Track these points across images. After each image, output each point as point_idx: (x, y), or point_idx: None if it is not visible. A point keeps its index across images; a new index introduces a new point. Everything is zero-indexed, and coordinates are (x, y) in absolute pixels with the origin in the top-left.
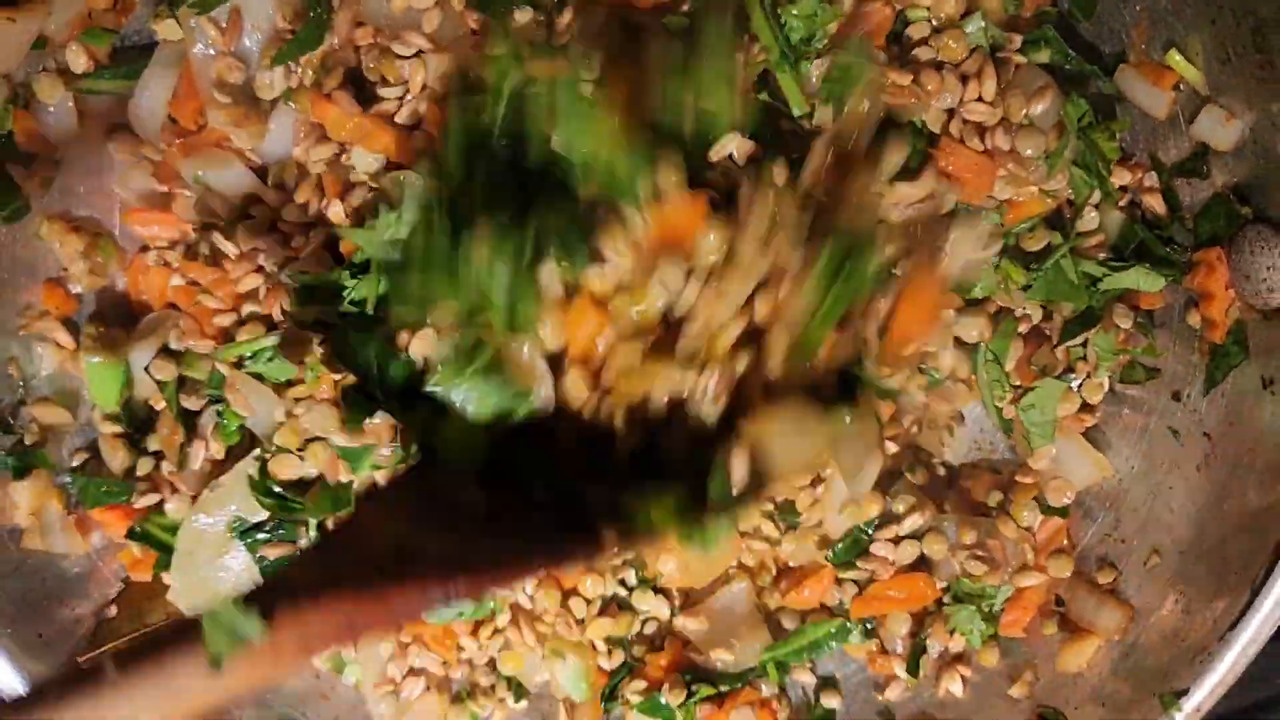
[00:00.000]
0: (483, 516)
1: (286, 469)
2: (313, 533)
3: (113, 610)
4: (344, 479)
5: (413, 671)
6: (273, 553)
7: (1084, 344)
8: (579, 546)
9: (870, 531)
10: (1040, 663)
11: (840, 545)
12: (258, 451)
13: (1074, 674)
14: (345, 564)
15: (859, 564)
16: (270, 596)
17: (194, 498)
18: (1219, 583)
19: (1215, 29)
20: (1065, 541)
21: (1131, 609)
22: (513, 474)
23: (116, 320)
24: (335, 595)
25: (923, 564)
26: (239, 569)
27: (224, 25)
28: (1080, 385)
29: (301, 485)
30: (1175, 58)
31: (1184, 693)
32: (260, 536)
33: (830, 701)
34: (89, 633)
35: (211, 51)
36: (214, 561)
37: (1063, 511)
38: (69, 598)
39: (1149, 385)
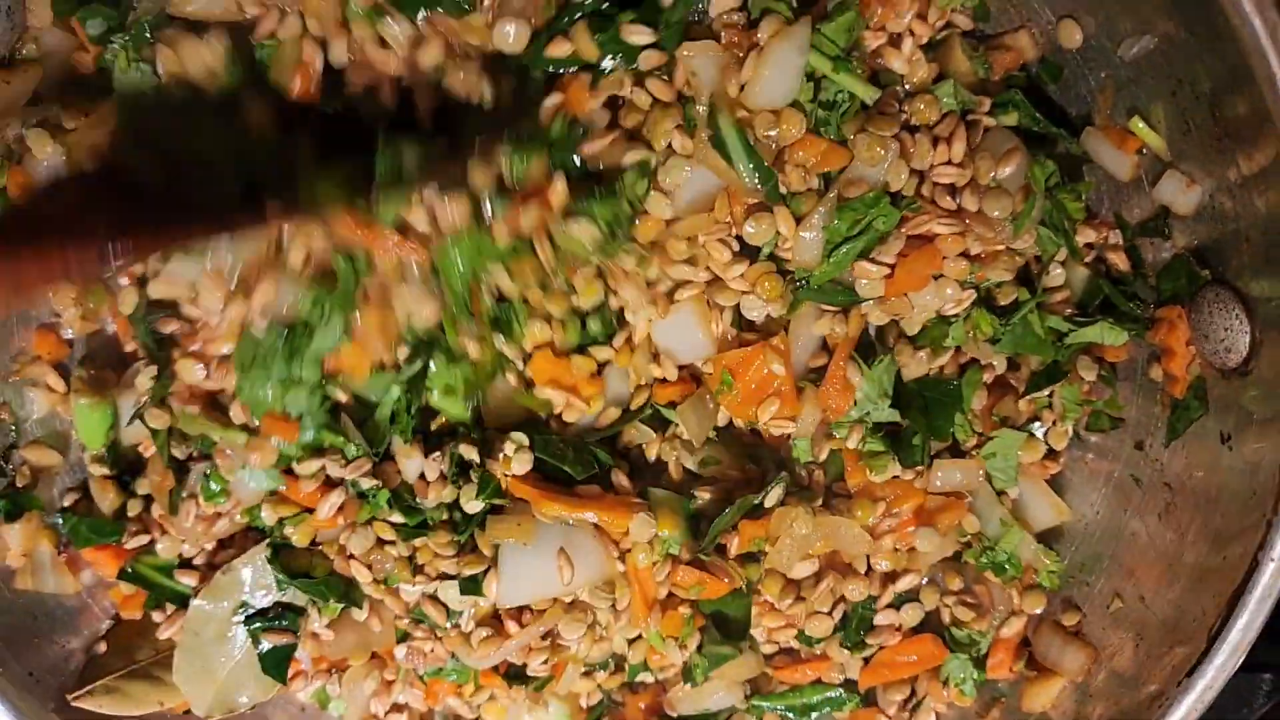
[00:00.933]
0: (159, 190)
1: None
2: (315, 623)
3: (102, 647)
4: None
5: (395, 708)
6: (273, 640)
7: (1050, 395)
8: (245, 218)
9: (873, 605)
10: (1008, 700)
11: (850, 627)
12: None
13: (1039, 713)
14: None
15: (869, 640)
16: None
17: (194, 557)
18: (1178, 629)
19: (1175, 100)
20: (1035, 577)
21: (1095, 651)
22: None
23: (106, 363)
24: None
25: (926, 625)
26: (238, 653)
27: None
28: (1046, 433)
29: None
30: (1138, 124)
31: None
32: (262, 624)
33: None
34: (79, 669)
35: None
36: (217, 643)
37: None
38: (59, 635)
39: (1113, 434)
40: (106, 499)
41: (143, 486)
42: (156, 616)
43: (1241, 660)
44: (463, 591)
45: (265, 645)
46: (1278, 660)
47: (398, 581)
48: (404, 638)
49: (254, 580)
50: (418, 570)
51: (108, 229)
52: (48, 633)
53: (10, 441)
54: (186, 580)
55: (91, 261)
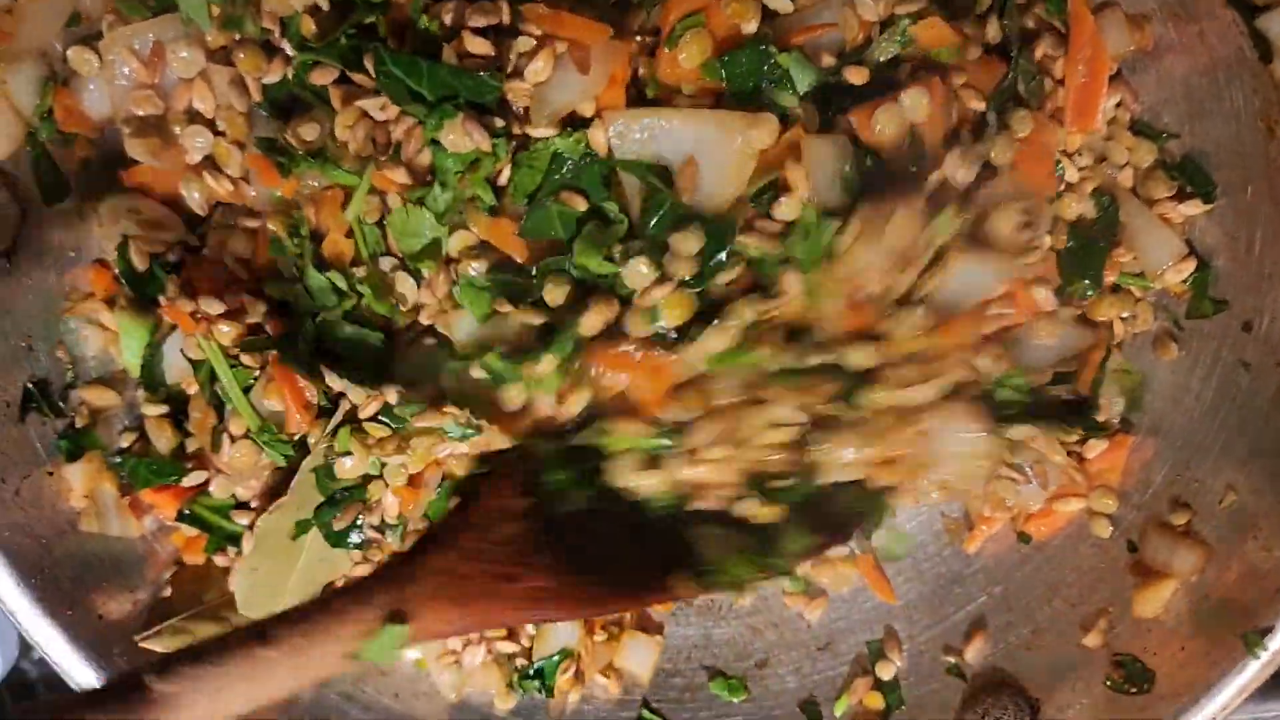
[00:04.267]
0: (578, 548)
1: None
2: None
3: (168, 591)
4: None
5: (472, 641)
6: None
7: None
8: (659, 592)
9: None
10: (1115, 610)
11: None
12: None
13: (1150, 619)
14: (469, 551)
15: None
16: (402, 596)
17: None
18: None
19: None
20: (1116, 480)
21: (1208, 549)
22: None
23: None
24: (459, 600)
25: None
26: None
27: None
28: None
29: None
30: None
31: (1268, 631)
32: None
33: (894, 659)
34: (146, 612)
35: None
36: (279, 556)
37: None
38: (126, 579)
39: (1218, 318)
40: (163, 438)
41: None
42: (219, 560)
43: None
44: None
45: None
46: None
47: None
48: None
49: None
50: None
51: (542, 583)
52: (115, 577)
53: (68, 381)
54: (243, 521)
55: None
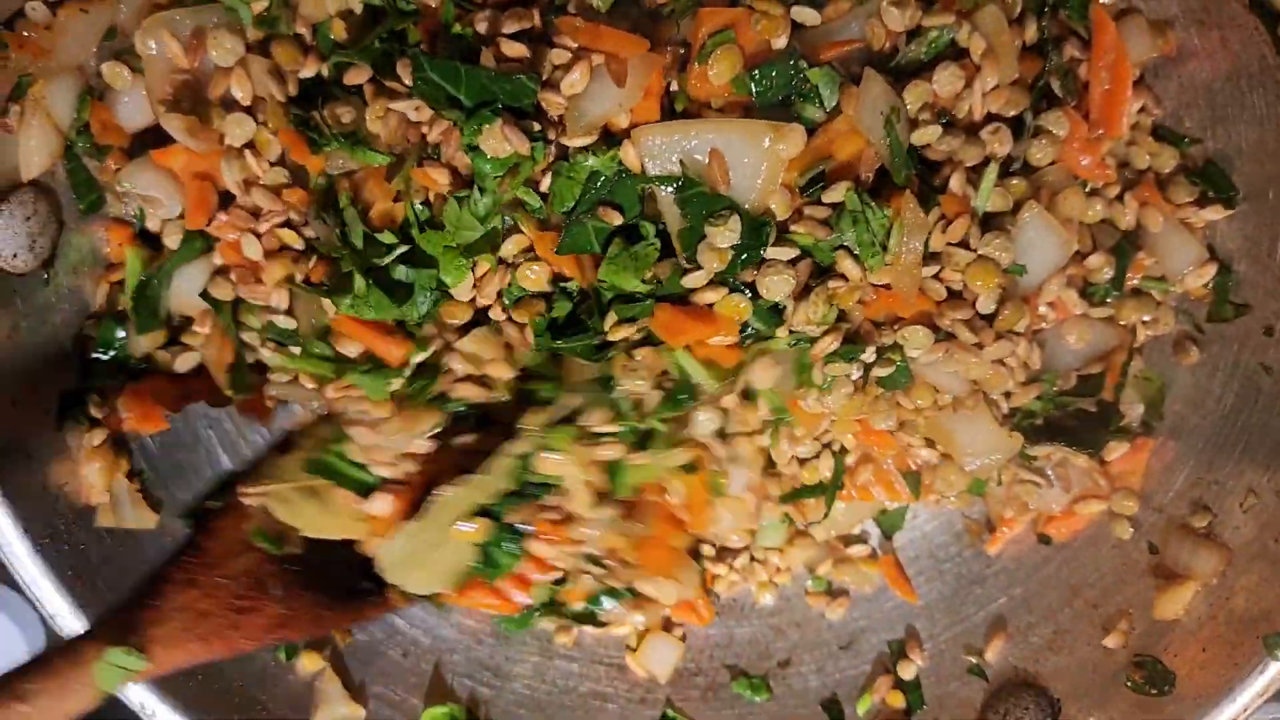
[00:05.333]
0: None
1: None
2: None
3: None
4: None
5: None
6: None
7: None
8: (378, 606)
9: None
10: (1136, 611)
11: None
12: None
13: (1171, 621)
14: (207, 587)
15: None
16: (140, 628)
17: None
18: None
19: None
20: (1137, 482)
21: (1228, 551)
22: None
23: None
24: (202, 635)
25: None
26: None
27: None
28: None
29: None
30: None
31: None
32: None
33: (916, 659)
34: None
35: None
36: (439, 531)
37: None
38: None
39: (1239, 322)
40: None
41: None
42: None
43: None
44: None
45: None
46: None
47: None
48: None
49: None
50: None
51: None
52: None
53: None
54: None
55: (263, 640)
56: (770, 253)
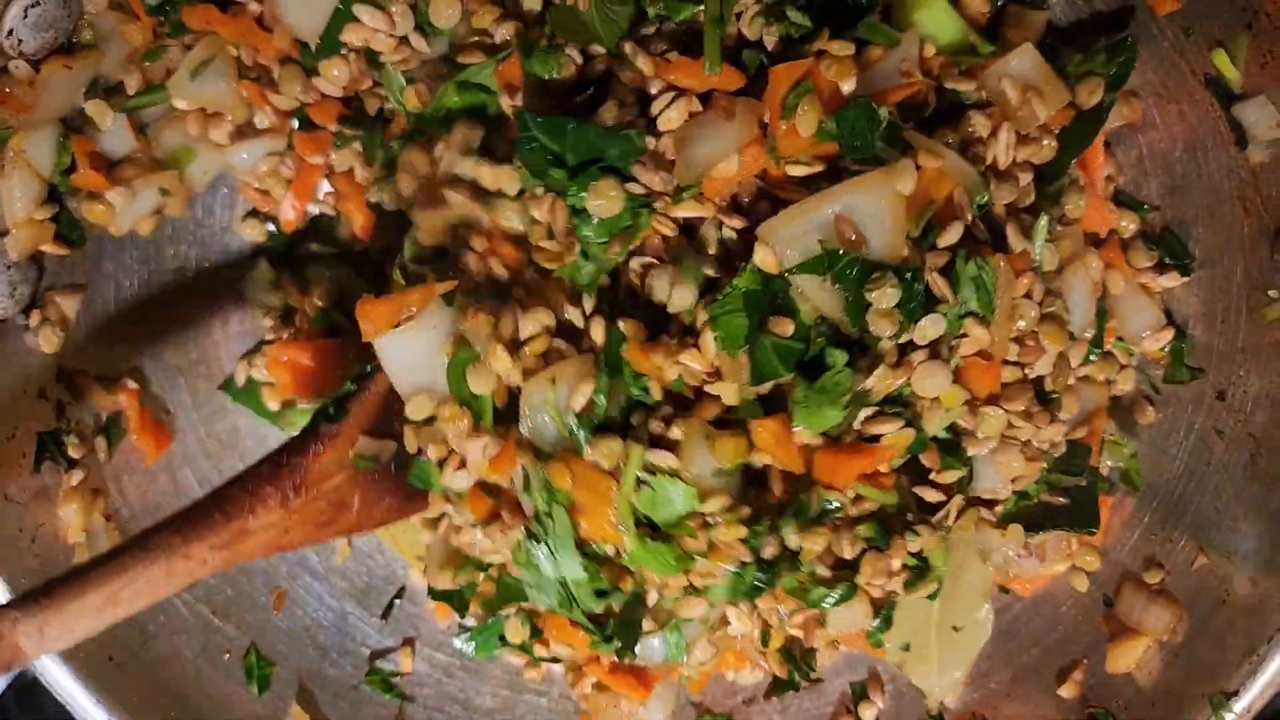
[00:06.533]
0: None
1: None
2: None
3: None
4: None
5: None
6: None
7: None
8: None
9: None
10: (1091, 663)
11: None
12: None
13: (1123, 674)
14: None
15: None
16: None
17: None
18: (1267, 583)
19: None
20: (1099, 539)
21: (1180, 609)
22: None
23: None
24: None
25: None
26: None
27: None
28: None
29: None
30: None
31: (1234, 694)
32: None
33: (877, 700)
34: None
35: None
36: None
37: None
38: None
39: (1193, 385)
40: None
41: None
42: None
43: None
44: None
45: None
46: None
47: None
48: None
49: None
50: None
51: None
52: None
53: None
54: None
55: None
56: (922, 324)
